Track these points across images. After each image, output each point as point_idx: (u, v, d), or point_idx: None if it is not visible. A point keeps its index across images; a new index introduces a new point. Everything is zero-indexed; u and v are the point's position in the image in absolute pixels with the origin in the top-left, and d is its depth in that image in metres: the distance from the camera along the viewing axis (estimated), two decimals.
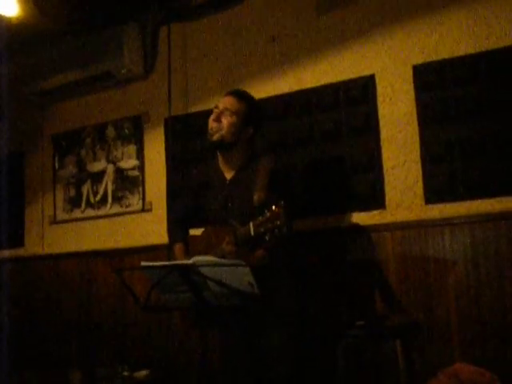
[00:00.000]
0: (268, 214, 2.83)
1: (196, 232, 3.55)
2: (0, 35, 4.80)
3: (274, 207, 2.82)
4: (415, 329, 3.74)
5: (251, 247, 3.08)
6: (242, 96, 3.38)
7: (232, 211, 3.27)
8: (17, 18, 4.64)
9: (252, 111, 3.37)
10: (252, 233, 2.91)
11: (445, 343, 3.72)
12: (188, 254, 3.36)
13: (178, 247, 3.45)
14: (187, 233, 3.58)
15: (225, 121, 3.28)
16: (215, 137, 3.30)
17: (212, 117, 3.34)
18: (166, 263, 2.88)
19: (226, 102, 3.33)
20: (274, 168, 3.25)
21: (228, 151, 3.35)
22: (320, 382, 3.98)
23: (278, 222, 2.79)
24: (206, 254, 3.14)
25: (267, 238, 2.84)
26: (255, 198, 3.10)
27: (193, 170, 4.58)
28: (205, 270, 2.73)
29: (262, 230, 2.85)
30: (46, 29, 4.97)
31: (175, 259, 3.37)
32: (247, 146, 3.39)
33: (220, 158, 3.43)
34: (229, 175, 3.38)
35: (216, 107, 3.35)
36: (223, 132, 3.28)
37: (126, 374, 4.49)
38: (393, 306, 3.87)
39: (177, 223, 3.61)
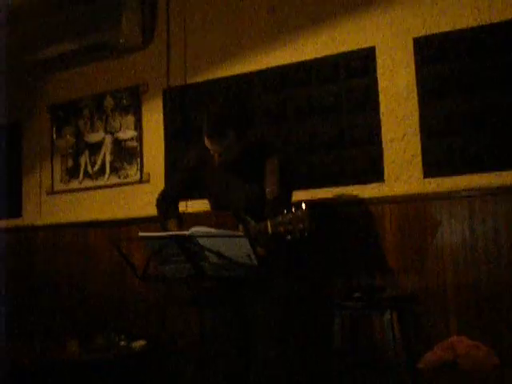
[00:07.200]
0: (289, 216, 2.82)
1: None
2: None
3: (296, 210, 2.81)
4: (411, 301, 3.77)
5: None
6: (223, 133, 3.09)
7: (235, 200, 3.24)
8: None
9: (241, 129, 3.15)
10: (270, 231, 2.89)
11: (441, 316, 3.74)
12: (182, 228, 3.33)
13: (172, 222, 3.38)
14: (178, 209, 3.54)
15: (226, 157, 3.14)
16: (226, 159, 3.18)
17: (213, 155, 3.18)
18: (164, 234, 2.88)
19: (214, 147, 3.12)
20: (281, 161, 3.18)
21: None
22: (316, 353, 4.01)
23: (301, 226, 2.78)
24: None
25: (289, 238, 2.83)
26: (268, 190, 3.07)
27: (189, 148, 4.55)
28: (203, 241, 2.74)
29: (282, 230, 2.84)
30: None
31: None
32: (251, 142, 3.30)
33: None
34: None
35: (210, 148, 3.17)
36: (231, 159, 3.18)
37: (122, 343, 4.52)
38: (390, 278, 3.88)
39: (169, 200, 3.52)
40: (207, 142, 3.14)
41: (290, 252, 3.38)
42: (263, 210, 3.05)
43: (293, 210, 2.82)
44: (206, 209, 3.58)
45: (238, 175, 3.28)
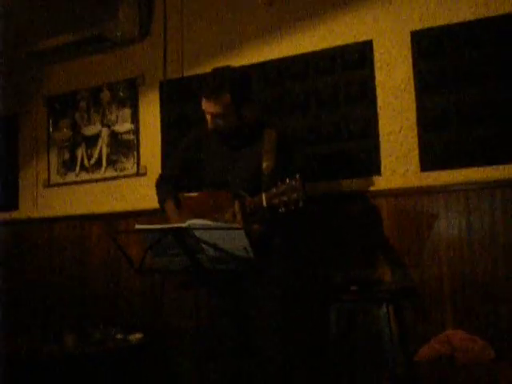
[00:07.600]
0: (283, 187, 2.83)
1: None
2: None
3: (290, 180, 2.82)
4: (408, 294, 3.77)
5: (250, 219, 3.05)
6: (218, 93, 3.09)
7: (233, 177, 3.24)
8: None
9: (237, 94, 3.14)
10: (264, 204, 2.90)
11: (438, 308, 3.75)
12: (179, 209, 3.33)
13: (169, 204, 3.37)
14: (177, 191, 3.51)
15: (220, 122, 3.16)
16: (222, 130, 3.21)
17: (208, 120, 3.21)
18: (161, 226, 2.88)
19: (210, 108, 3.14)
20: (279, 136, 3.21)
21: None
22: (312, 346, 4.02)
23: (295, 196, 2.80)
24: (201, 216, 3.06)
25: (282, 210, 2.84)
26: (264, 166, 3.07)
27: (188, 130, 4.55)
28: (199, 234, 2.74)
29: (276, 201, 2.85)
30: None
31: (168, 218, 3.34)
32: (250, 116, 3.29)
33: None
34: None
35: (206, 112, 3.20)
36: (226, 129, 3.20)
37: (119, 336, 4.52)
38: (386, 271, 3.88)
39: (167, 180, 3.52)
40: (204, 103, 3.16)
41: (287, 239, 3.38)
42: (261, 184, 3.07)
43: (287, 180, 2.83)
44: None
45: (236, 151, 3.28)
